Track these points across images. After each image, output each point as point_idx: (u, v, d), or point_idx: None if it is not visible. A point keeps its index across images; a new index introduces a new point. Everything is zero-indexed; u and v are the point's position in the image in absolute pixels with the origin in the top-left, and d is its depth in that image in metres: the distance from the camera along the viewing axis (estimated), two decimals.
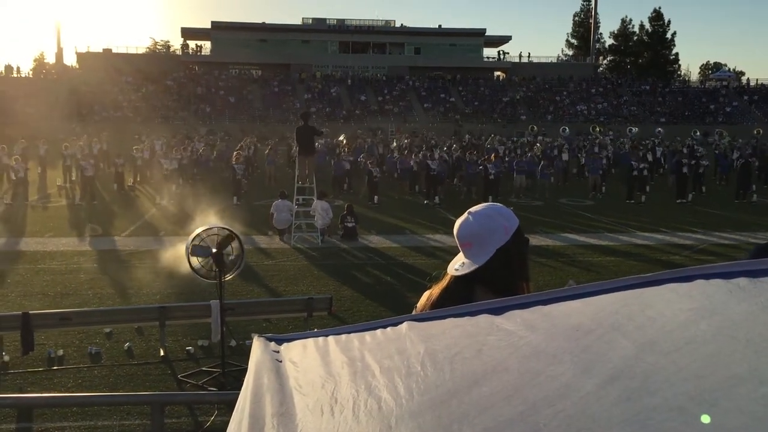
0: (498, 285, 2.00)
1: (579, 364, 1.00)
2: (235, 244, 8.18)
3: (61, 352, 8.93)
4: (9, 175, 22.74)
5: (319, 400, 1.33)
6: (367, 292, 12.16)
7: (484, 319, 1.33)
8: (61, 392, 7.71)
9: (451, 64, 72.53)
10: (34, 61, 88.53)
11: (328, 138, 34.87)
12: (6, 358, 8.63)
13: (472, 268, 2.03)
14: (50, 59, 79.95)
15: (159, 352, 9.00)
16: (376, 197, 23.24)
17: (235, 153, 25.60)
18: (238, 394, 1.59)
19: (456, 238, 2.10)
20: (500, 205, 2.15)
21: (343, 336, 1.63)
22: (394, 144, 35.71)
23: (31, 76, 69.43)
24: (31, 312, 8.70)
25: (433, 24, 78.18)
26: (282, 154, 33.20)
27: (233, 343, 9.23)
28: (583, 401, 0.91)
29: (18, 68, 67.25)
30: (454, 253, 2.14)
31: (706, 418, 0.83)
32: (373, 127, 53.40)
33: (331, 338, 1.65)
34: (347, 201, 19.47)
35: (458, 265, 2.08)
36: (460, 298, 1.98)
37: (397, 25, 77.20)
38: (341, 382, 1.36)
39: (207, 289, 10.11)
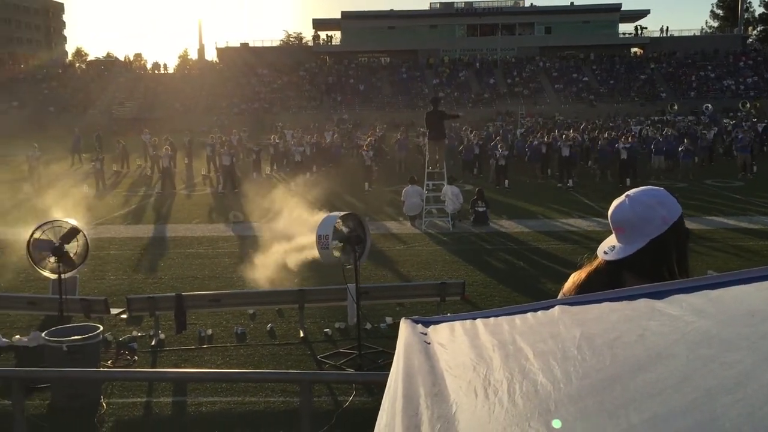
0: (650, 276, 1.86)
1: (758, 351, 0.94)
2: (358, 227, 8.35)
3: (210, 332, 9.50)
4: (158, 166, 24.49)
5: (472, 382, 1.33)
6: (499, 277, 12.03)
7: (643, 303, 1.28)
8: (212, 369, 8.22)
9: (584, 42, 70.06)
10: (179, 57, 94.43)
11: (456, 123, 34.66)
12: (162, 336, 9.30)
13: (621, 255, 1.93)
14: (193, 55, 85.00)
15: (299, 334, 9.37)
16: (506, 181, 22.91)
17: (366, 140, 26.08)
18: (379, 375, 1.61)
19: (609, 220, 1.99)
20: (664, 191, 1.96)
21: (492, 319, 1.61)
22: (523, 129, 34.97)
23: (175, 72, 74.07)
24: (183, 294, 9.33)
25: (564, 1, 75.63)
26: (411, 139, 33.41)
27: (368, 326, 9.43)
28: (765, 390, 0.85)
29: (164, 65, 72.02)
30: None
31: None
32: (502, 111, 52.63)
33: (479, 321, 1.63)
34: (477, 185, 19.33)
35: (608, 247, 1.98)
36: (608, 284, 1.83)
37: (527, 4, 75.44)
38: (493, 364, 1.35)
39: (342, 273, 10.38)
